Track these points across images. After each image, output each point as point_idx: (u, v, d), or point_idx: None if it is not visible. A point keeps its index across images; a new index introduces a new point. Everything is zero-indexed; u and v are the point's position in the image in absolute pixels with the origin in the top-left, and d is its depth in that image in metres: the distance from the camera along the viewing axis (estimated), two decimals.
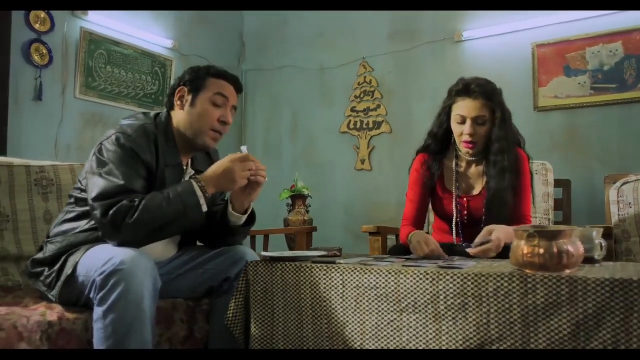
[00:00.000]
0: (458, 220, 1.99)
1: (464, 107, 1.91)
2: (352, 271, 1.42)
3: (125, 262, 1.39)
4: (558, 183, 2.57)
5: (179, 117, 1.71)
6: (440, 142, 2.04)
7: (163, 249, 1.74)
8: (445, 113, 2.00)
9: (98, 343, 1.38)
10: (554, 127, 2.97)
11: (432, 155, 2.04)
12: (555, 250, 1.22)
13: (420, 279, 1.32)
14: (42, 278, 1.57)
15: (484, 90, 1.91)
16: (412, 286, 1.33)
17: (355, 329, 1.40)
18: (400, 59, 3.47)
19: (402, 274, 1.34)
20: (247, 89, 4.06)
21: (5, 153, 2.49)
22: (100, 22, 3.01)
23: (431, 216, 2.30)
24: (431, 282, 1.30)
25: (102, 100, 3.03)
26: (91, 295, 1.41)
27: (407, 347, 1.32)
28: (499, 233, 1.69)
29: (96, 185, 1.51)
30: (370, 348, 1.37)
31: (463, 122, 1.91)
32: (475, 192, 2.00)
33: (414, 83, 3.42)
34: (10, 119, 2.58)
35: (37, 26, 2.72)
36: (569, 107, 2.92)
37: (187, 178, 1.72)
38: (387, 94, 3.51)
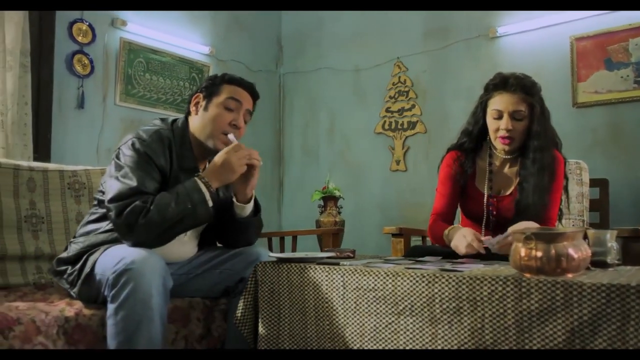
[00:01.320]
0: (489, 220, 1.94)
1: (501, 101, 1.84)
2: (353, 273, 1.42)
3: (135, 262, 1.45)
4: (594, 182, 2.44)
5: (194, 122, 1.77)
6: (475, 140, 1.98)
7: (182, 250, 1.80)
8: (481, 108, 1.93)
9: (110, 338, 1.45)
10: (594, 124, 2.83)
11: (465, 153, 2.00)
12: (553, 253, 1.17)
13: (417, 281, 1.30)
14: (65, 276, 1.66)
15: (522, 84, 1.84)
16: (408, 289, 1.31)
17: (355, 331, 1.40)
18: (434, 57, 3.41)
19: (400, 276, 1.33)
20: (285, 92, 4.12)
21: (49, 158, 2.65)
22: (139, 31, 3.15)
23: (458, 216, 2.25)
24: (427, 284, 1.29)
25: (141, 107, 3.16)
26: (105, 293, 1.49)
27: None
28: (520, 226, 1.62)
29: (112, 187, 1.59)
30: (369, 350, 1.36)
31: (500, 117, 1.85)
32: (506, 192, 1.94)
33: (449, 82, 3.35)
34: (54, 126, 2.75)
35: (79, 38, 2.87)
36: (610, 102, 2.77)
37: None
38: (422, 94, 3.46)
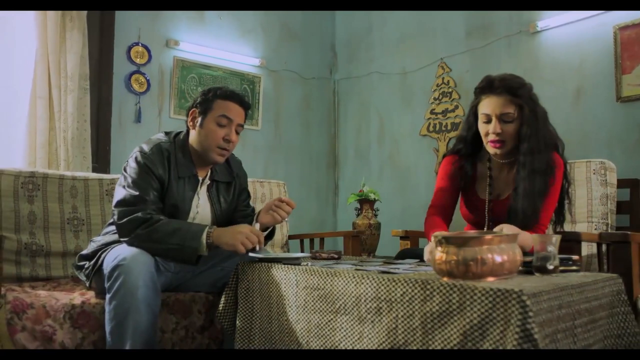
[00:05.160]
0: (489, 225, 1.93)
1: (489, 105, 1.81)
2: (304, 272, 1.52)
3: (126, 259, 1.68)
4: (623, 183, 2.27)
5: (192, 135, 1.97)
6: (470, 145, 1.97)
7: None
8: (472, 114, 1.93)
9: (106, 323, 1.69)
10: None
11: (464, 158, 1.99)
12: (462, 257, 1.19)
13: (348, 281, 1.37)
14: (83, 270, 1.94)
15: (508, 86, 1.79)
16: (342, 288, 1.39)
17: (304, 327, 1.49)
18: (476, 56, 3.34)
19: (335, 276, 1.41)
20: (339, 98, 4.24)
21: (109, 168, 3.02)
22: (191, 49, 3.45)
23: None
24: (355, 285, 1.35)
25: None
26: (104, 285, 1.74)
27: (339, 348, 1.38)
28: (506, 229, 1.61)
29: (118, 194, 1.84)
30: (315, 347, 1.45)
31: (489, 120, 1.82)
32: (503, 196, 1.92)
33: None
34: (115, 140, 3.12)
35: (137, 60, 3.23)
36: None
37: (202, 188, 1.97)
38: (465, 94, 3.39)
